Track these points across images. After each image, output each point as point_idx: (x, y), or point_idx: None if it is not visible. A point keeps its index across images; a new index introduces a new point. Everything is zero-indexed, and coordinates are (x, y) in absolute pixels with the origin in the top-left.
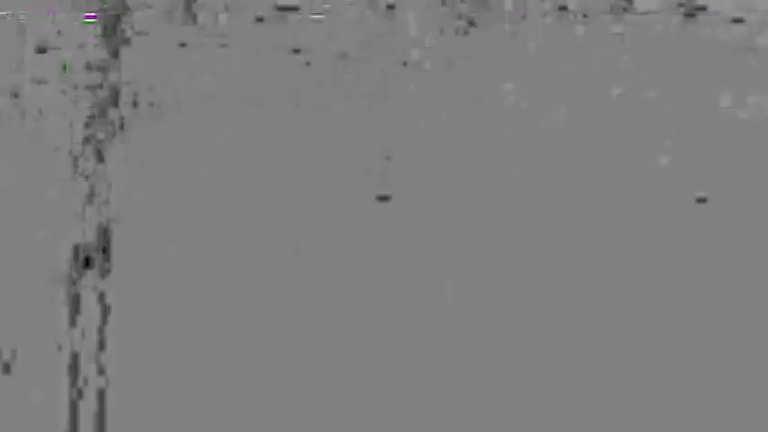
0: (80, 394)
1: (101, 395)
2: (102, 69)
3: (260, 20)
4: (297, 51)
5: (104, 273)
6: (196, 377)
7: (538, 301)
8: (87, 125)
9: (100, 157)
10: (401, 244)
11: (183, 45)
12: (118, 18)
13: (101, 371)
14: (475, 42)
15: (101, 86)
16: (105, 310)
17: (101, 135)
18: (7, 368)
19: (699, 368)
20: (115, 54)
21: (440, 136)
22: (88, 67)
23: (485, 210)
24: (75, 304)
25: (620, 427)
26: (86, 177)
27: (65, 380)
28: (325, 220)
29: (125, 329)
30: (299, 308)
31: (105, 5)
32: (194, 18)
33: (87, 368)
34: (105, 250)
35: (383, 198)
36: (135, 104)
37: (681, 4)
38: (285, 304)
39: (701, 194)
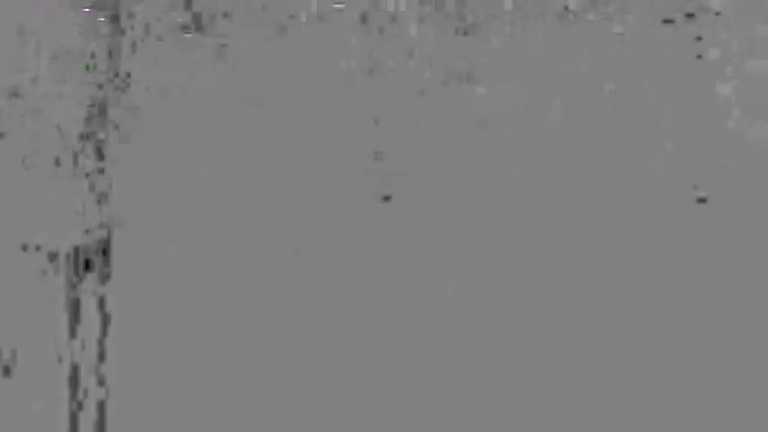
0: (80, 406)
1: (101, 406)
2: (102, 68)
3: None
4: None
5: (104, 277)
6: (197, 384)
7: (539, 301)
8: (87, 124)
9: (100, 156)
10: (401, 244)
11: (183, 45)
12: (117, 17)
13: (101, 381)
14: (474, 42)
15: (101, 86)
16: (105, 319)
17: (101, 135)
18: (7, 371)
19: (700, 369)
20: (116, 53)
21: (440, 136)
22: (89, 66)
23: (485, 210)
24: (74, 311)
25: (620, 427)
26: (87, 175)
27: (64, 389)
28: (326, 220)
29: (125, 335)
30: (302, 313)
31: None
32: (198, 22)
33: (87, 376)
34: (105, 252)
35: (386, 198)
36: (134, 105)
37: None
38: (288, 311)
39: (701, 194)
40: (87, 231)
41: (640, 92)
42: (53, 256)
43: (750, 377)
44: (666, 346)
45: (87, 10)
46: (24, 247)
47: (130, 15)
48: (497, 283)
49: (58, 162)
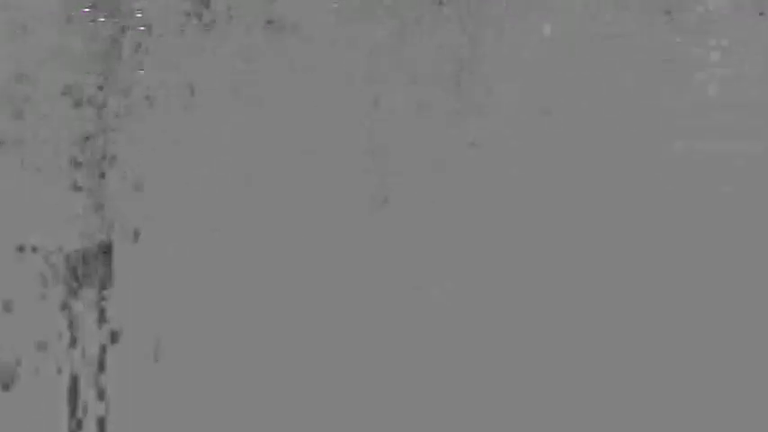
0: (79, 424)
1: (101, 422)
2: (102, 69)
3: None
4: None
5: (105, 282)
6: (200, 393)
7: (542, 303)
8: (86, 127)
9: (100, 158)
10: (401, 244)
11: (189, 44)
12: (117, 17)
13: (101, 394)
14: (474, 43)
15: (101, 88)
16: (105, 327)
17: (101, 136)
18: (6, 384)
19: (703, 368)
20: (116, 53)
21: (439, 137)
22: (89, 67)
23: (485, 210)
24: (73, 319)
25: (620, 427)
26: (86, 178)
27: (63, 402)
28: (326, 220)
29: (126, 344)
30: (308, 318)
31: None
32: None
33: (87, 388)
34: (106, 257)
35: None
36: (135, 106)
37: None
38: (293, 316)
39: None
40: (87, 236)
41: (640, 91)
42: (52, 262)
43: (751, 376)
44: (666, 346)
45: (87, 10)
46: (21, 248)
47: (131, 15)
48: (498, 283)
49: (57, 165)
